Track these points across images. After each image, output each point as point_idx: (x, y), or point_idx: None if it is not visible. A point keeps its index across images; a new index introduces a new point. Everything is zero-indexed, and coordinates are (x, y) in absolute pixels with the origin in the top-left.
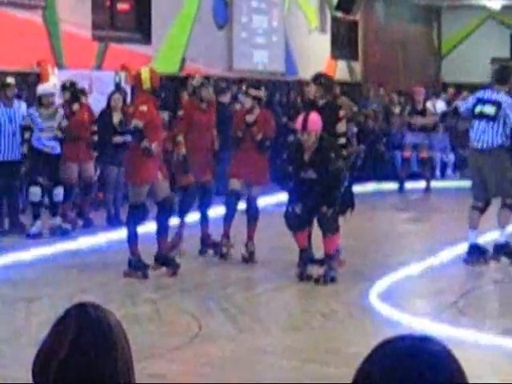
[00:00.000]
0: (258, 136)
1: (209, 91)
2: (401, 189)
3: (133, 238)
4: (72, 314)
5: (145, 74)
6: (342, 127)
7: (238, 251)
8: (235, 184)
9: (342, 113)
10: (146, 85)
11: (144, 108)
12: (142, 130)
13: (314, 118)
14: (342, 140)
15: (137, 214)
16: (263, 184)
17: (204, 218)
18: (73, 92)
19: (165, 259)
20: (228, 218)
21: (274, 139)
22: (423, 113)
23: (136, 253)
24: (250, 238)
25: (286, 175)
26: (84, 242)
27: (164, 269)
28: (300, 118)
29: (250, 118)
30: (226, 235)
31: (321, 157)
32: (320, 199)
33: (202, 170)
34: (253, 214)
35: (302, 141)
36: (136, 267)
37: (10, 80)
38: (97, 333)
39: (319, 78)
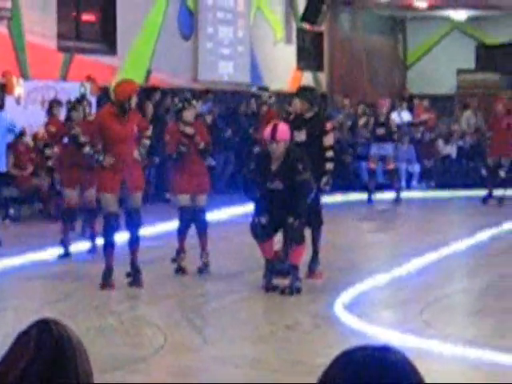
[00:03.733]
0: (201, 145)
1: (192, 113)
2: (369, 200)
3: (108, 248)
4: (33, 330)
5: (112, 85)
6: (329, 140)
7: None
8: (184, 200)
9: (329, 125)
10: (112, 96)
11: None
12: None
13: (283, 128)
14: (330, 153)
15: (108, 224)
16: (207, 192)
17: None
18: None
19: (134, 269)
20: (181, 233)
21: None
22: (386, 124)
23: (110, 264)
24: (203, 249)
25: (252, 185)
26: (50, 252)
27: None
28: (269, 128)
29: (190, 130)
30: (182, 249)
31: (288, 167)
32: (287, 210)
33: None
34: (202, 226)
35: (270, 150)
36: (107, 275)
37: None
38: (57, 349)
39: (304, 92)
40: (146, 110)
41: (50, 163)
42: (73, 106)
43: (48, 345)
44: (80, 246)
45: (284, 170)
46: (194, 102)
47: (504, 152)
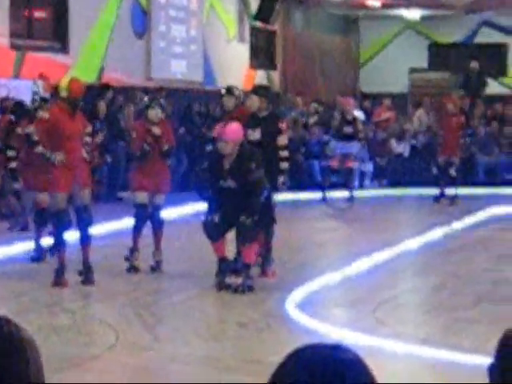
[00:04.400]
0: (166, 146)
1: (157, 112)
2: (324, 199)
3: (60, 246)
4: None
5: (64, 82)
6: (283, 140)
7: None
8: (142, 197)
9: (284, 125)
10: (63, 93)
11: (45, 115)
12: (30, 136)
13: (233, 127)
14: (285, 153)
15: (59, 222)
16: (166, 192)
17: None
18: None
19: (86, 267)
20: (137, 231)
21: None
22: (353, 122)
23: (63, 261)
24: (157, 247)
25: (205, 184)
26: (0, 251)
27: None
28: (219, 127)
29: (157, 131)
30: (136, 247)
31: (240, 166)
32: (239, 208)
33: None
34: (157, 224)
35: (219, 148)
36: (60, 272)
37: None
38: (8, 348)
39: (259, 90)
40: (98, 108)
41: (13, 165)
42: (39, 105)
43: (5, 346)
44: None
45: (237, 169)
46: (161, 100)
47: (454, 151)
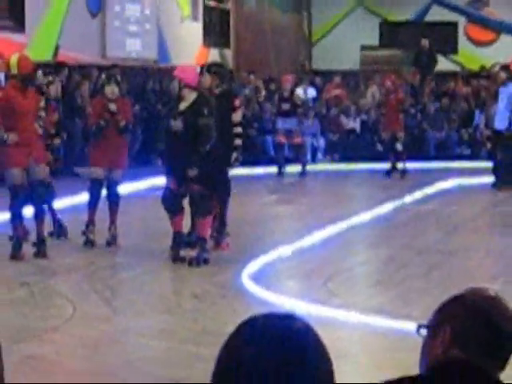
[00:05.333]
0: (122, 122)
1: (113, 89)
2: (279, 173)
3: (16, 220)
4: None
5: (13, 59)
6: (237, 117)
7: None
8: (98, 172)
9: (237, 102)
10: (14, 70)
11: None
12: None
13: (182, 69)
14: (238, 129)
15: (15, 197)
16: (123, 168)
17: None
18: None
19: (39, 241)
20: (92, 205)
21: (132, 123)
22: (290, 99)
23: (19, 235)
24: (113, 222)
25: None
26: None
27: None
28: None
29: (113, 107)
30: (92, 222)
31: (194, 109)
32: (186, 158)
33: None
34: (114, 198)
35: (174, 88)
36: (16, 246)
37: None
38: None
39: (213, 68)
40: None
41: None
42: None
43: None
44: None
45: (189, 112)
46: (118, 78)
47: (397, 126)
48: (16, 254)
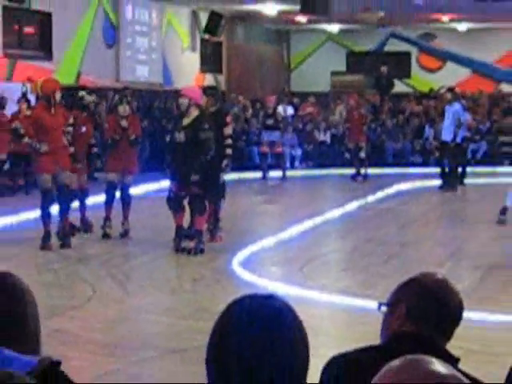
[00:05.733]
0: (132, 136)
1: (124, 107)
2: (264, 177)
3: (45, 217)
4: None
5: (38, 83)
6: (228, 130)
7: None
8: (112, 176)
9: (228, 119)
10: (39, 92)
11: (28, 112)
12: (16, 130)
13: (190, 89)
14: (229, 141)
15: (45, 198)
16: (134, 173)
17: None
18: None
19: (63, 234)
20: (108, 204)
21: (141, 137)
22: (273, 116)
23: (48, 230)
24: (125, 218)
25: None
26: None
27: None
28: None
29: (124, 123)
30: (108, 218)
31: (195, 124)
32: (188, 165)
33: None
34: (126, 199)
35: (179, 103)
36: (46, 239)
37: None
38: (12, 294)
39: (209, 90)
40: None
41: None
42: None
43: (4, 292)
44: (27, 216)
45: (190, 126)
46: (129, 98)
47: (359, 138)
48: (45, 246)
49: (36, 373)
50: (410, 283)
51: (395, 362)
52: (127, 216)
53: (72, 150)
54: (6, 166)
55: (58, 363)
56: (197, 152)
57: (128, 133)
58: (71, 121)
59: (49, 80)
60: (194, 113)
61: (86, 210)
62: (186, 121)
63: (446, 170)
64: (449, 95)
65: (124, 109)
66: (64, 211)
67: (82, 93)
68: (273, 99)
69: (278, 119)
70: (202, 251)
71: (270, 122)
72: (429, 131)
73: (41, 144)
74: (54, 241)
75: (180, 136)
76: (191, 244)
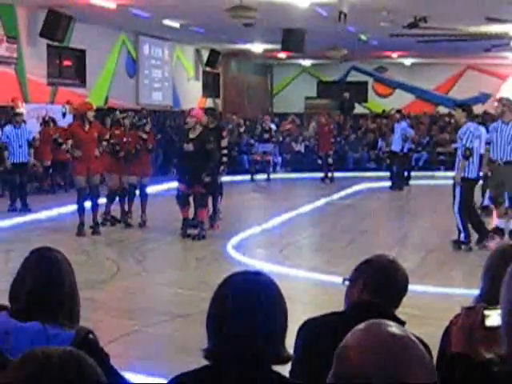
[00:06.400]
0: (150, 146)
1: (148, 127)
2: (252, 179)
3: (80, 210)
4: (33, 254)
5: (74, 105)
6: (224, 143)
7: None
8: (133, 179)
9: (224, 133)
10: (73, 112)
11: (65, 127)
12: (56, 140)
13: (197, 111)
14: (225, 151)
15: (79, 195)
16: (149, 175)
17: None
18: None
19: (94, 224)
20: (130, 200)
21: (155, 147)
22: (269, 131)
23: (82, 220)
24: (143, 211)
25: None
26: (43, 214)
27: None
28: (190, 110)
29: (145, 136)
30: (130, 211)
31: (202, 137)
32: (194, 170)
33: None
34: (144, 196)
35: (188, 122)
36: (80, 227)
37: (20, 110)
38: (51, 263)
39: (209, 111)
40: (105, 123)
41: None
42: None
43: (44, 262)
44: (66, 209)
45: (197, 139)
46: (148, 119)
47: (328, 148)
48: (80, 233)
49: (75, 344)
50: (366, 263)
51: (361, 326)
52: (144, 209)
53: (122, 154)
54: (50, 171)
55: (90, 332)
56: (204, 159)
57: (147, 144)
58: (107, 137)
59: (83, 102)
60: (199, 128)
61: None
62: (192, 135)
63: (395, 173)
64: (397, 115)
65: (148, 127)
66: (95, 205)
67: (116, 112)
68: (268, 118)
69: (272, 134)
70: (203, 237)
71: (266, 136)
72: (381, 143)
73: (75, 150)
74: (87, 229)
75: (188, 146)
76: (195, 231)
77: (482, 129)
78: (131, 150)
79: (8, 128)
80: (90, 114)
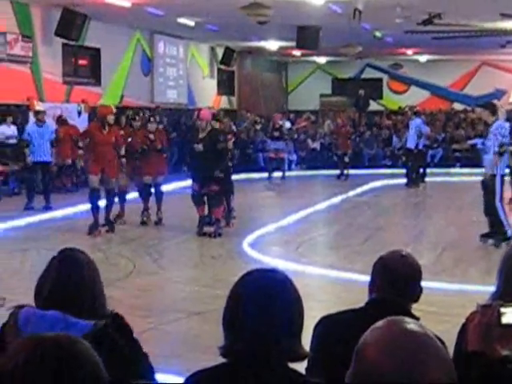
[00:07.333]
0: (158, 146)
1: (152, 125)
2: (269, 177)
3: (93, 209)
4: (58, 255)
5: (90, 104)
6: (230, 144)
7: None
8: (147, 179)
9: (230, 136)
10: (88, 111)
11: (85, 127)
12: (76, 141)
13: (206, 111)
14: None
15: (91, 195)
16: (163, 174)
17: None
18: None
19: (108, 222)
20: (146, 199)
21: (168, 146)
22: (279, 129)
23: (96, 218)
24: (159, 209)
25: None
26: (59, 212)
27: (106, 228)
28: (199, 112)
29: (152, 136)
30: (146, 209)
31: (212, 136)
32: (206, 168)
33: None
34: (159, 194)
35: (198, 124)
36: (93, 227)
37: (40, 108)
38: (71, 265)
39: (217, 115)
40: (120, 121)
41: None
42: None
43: (67, 262)
44: (81, 208)
45: (207, 138)
46: (156, 117)
47: (345, 147)
48: (91, 232)
49: (91, 333)
50: (376, 261)
51: (379, 323)
52: (160, 207)
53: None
54: (71, 169)
55: (107, 325)
56: (215, 159)
57: (155, 144)
58: (129, 139)
59: (104, 106)
60: (208, 128)
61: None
62: (201, 135)
63: (410, 170)
64: (411, 112)
65: (151, 126)
66: (109, 205)
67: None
68: (279, 116)
69: (282, 132)
70: (220, 235)
71: (276, 134)
72: (395, 140)
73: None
74: (100, 228)
75: (198, 146)
76: (211, 229)
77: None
78: (137, 150)
79: (31, 126)
80: (111, 118)
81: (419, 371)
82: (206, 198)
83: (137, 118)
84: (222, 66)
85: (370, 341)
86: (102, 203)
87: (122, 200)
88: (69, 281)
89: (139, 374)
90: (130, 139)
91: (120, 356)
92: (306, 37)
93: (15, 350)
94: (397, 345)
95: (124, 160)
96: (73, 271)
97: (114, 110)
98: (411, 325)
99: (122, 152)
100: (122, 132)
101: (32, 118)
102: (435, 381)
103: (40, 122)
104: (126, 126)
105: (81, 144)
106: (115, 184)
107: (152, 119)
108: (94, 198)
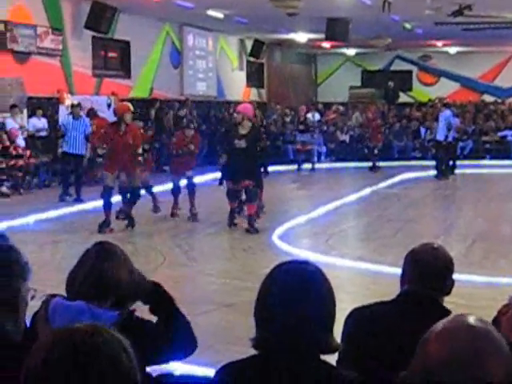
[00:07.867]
0: (191, 147)
1: (189, 132)
2: (299, 169)
3: (106, 206)
4: (93, 248)
5: (120, 97)
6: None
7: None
8: (175, 177)
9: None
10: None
11: (106, 125)
12: (95, 149)
13: (244, 105)
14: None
15: (106, 192)
16: (193, 168)
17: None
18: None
19: (128, 216)
20: (176, 193)
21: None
22: (304, 122)
23: (107, 215)
24: (192, 204)
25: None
26: (90, 205)
27: (126, 222)
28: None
29: (192, 147)
30: (176, 202)
31: (254, 133)
32: (244, 167)
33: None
34: (191, 188)
35: (235, 117)
36: (103, 225)
37: (73, 101)
38: (109, 257)
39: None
40: (149, 113)
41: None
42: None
43: (104, 253)
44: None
45: (250, 134)
46: (195, 123)
47: (376, 139)
48: (101, 230)
49: (117, 323)
50: (408, 254)
51: (444, 319)
52: (193, 202)
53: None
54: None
55: (133, 312)
56: (256, 156)
57: (190, 148)
58: (146, 146)
59: (120, 104)
60: (247, 125)
61: (154, 194)
62: (242, 131)
63: (439, 162)
64: (441, 104)
65: (189, 132)
66: (133, 203)
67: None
68: (304, 108)
69: (308, 124)
70: (257, 231)
71: (301, 126)
72: (424, 132)
73: (101, 149)
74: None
75: (240, 143)
76: (245, 224)
77: None
78: (176, 153)
79: (66, 118)
80: (128, 117)
81: (477, 363)
82: (240, 194)
83: (168, 113)
84: (251, 59)
85: (430, 336)
86: (116, 199)
87: (151, 194)
88: (105, 273)
89: (163, 352)
90: (174, 139)
91: (149, 340)
92: (336, 29)
93: (41, 344)
94: (455, 336)
95: (145, 156)
96: (104, 265)
97: (132, 108)
98: (472, 319)
99: (140, 150)
100: (141, 130)
101: (64, 110)
102: (495, 378)
103: (76, 115)
104: (157, 119)
105: (100, 151)
106: (138, 181)
107: (191, 125)
108: (106, 196)
